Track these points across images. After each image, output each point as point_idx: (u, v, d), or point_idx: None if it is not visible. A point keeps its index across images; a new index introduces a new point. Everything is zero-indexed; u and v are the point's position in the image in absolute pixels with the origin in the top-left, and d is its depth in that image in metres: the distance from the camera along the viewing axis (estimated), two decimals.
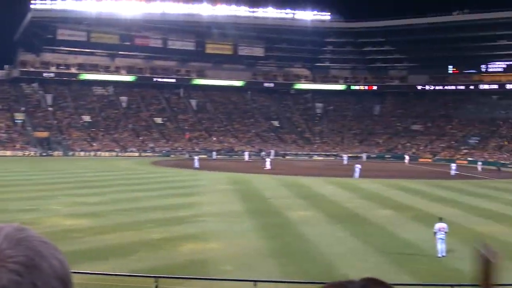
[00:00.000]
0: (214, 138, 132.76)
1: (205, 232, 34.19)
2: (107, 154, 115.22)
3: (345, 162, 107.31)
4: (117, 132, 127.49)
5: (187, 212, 41.72)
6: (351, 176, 76.28)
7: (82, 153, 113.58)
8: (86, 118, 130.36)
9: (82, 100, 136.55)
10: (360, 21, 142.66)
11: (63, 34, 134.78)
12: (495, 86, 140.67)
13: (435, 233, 29.26)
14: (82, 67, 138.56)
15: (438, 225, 29.25)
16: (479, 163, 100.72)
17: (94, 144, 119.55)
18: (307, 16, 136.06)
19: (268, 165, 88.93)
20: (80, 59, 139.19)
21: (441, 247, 28.85)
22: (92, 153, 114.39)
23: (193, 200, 48.50)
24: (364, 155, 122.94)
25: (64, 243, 27.90)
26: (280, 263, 26.96)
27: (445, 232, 29.07)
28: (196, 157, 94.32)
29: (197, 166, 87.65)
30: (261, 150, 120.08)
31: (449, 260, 28.31)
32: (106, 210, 41.49)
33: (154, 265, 26.09)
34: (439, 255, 28.68)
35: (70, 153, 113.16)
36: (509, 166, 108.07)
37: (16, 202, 44.25)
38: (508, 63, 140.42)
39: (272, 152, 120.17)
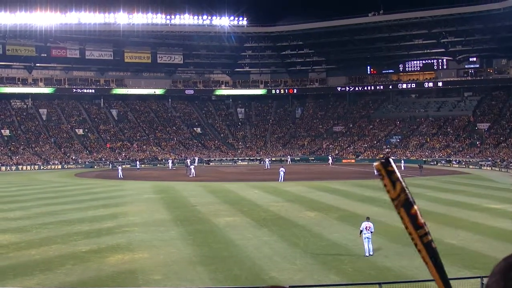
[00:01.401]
0: (135, 146, 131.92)
1: (132, 242, 33.95)
2: (29, 168, 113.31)
3: (268, 166, 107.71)
4: (38, 145, 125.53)
5: (113, 223, 41.34)
6: (277, 179, 76.66)
7: (3, 168, 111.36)
8: (6, 132, 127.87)
9: (1, 114, 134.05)
10: (278, 25, 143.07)
11: None
12: (413, 85, 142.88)
13: (361, 231, 29.61)
14: None
15: (364, 224, 29.62)
16: (402, 161, 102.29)
17: (15, 158, 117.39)
18: (224, 22, 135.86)
19: (193, 172, 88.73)
20: None
21: (367, 246, 29.19)
22: (14, 168, 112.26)
23: (118, 211, 48.09)
24: (289, 158, 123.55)
25: None
26: (209, 270, 26.94)
27: (371, 231, 29.44)
28: (119, 167, 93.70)
29: (121, 176, 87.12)
30: (186, 158, 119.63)
31: (376, 258, 28.71)
32: (31, 224, 40.80)
33: (82, 277, 25.86)
34: (366, 254, 29.05)
35: None
36: (431, 163, 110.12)
37: None
38: (424, 61, 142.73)
39: (196, 159, 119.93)
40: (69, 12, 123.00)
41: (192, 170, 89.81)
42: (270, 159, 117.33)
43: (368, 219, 30.49)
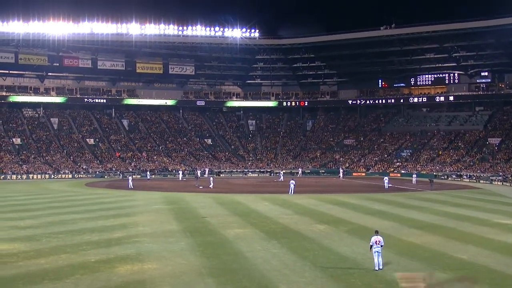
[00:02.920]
0: (144, 155, 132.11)
1: (141, 252, 33.89)
2: (39, 176, 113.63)
3: (281, 178, 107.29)
4: (49, 154, 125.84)
5: (123, 233, 41.30)
6: (287, 192, 76.49)
7: (14, 176, 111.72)
8: (17, 140, 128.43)
9: (12, 123, 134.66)
10: (290, 38, 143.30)
11: None
12: (425, 99, 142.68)
13: (371, 246, 29.54)
14: (11, 89, 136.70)
15: (374, 238, 29.56)
16: (414, 175, 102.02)
17: (26, 167, 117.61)
18: (236, 33, 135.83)
19: (211, 184, 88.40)
20: (9, 81, 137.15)
21: (377, 260, 29.10)
22: (24, 176, 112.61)
23: (128, 221, 48.03)
24: (299, 171, 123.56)
25: None
26: (218, 282, 26.88)
27: (381, 245, 29.37)
28: (130, 178, 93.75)
29: (131, 187, 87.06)
30: (196, 169, 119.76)
31: (385, 272, 28.60)
32: (40, 233, 40.79)
33: (91, 287, 25.85)
34: (376, 268, 28.94)
35: (1, 176, 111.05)
36: (442, 177, 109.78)
37: None
38: (436, 75, 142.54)
39: (207, 170, 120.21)
40: (82, 22, 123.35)
41: (211, 183, 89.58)
42: (283, 171, 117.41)
43: (377, 232, 30.43)
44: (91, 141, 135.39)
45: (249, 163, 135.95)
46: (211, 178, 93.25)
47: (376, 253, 29.22)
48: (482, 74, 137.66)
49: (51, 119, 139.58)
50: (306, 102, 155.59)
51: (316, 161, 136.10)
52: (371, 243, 29.61)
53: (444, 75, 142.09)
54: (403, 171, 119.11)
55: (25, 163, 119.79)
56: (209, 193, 78.37)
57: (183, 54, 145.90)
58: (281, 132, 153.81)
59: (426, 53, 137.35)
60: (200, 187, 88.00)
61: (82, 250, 34.58)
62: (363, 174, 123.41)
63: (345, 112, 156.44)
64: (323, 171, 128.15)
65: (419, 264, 30.57)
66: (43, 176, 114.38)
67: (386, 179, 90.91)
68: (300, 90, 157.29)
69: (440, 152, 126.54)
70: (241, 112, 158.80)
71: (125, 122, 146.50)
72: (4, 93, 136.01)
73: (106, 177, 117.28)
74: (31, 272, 28.66)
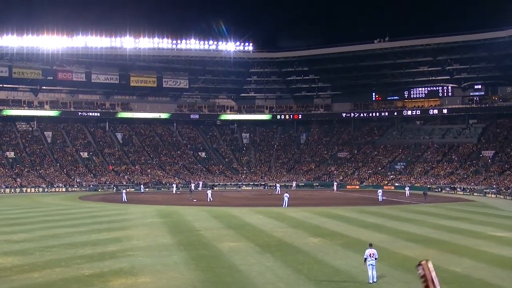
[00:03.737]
0: (137, 167, 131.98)
1: (135, 266, 33.75)
2: (33, 190, 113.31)
3: (278, 191, 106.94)
4: (42, 167, 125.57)
5: (116, 246, 41.16)
6: (281, 205, 76.40)
7: (7, 190, 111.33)
8: (11, 154, 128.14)
9: (6, 136, 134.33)
10: (283, 51, 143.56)
11: None
12: (418, 112, 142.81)
13: (365, 259, 29.50)
14: (5, 102, 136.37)
15: (368, 251, 29.52)
16: (407, 188, 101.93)
17: (20, 181, 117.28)
18: (230, 47, 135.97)
19: (209, 198, 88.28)
20: (3, 94, 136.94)
21: (371, 273, 29.05)
22: (18, 190, 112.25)
23: (122, 234, 47.87)
24: (294, 183, 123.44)
25: None
26: None
27: (375, 258, 29.32)
28: (123, 191, 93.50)
29: (125, 200, 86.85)
30: (190, 182, 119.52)
31: (379, 285, 28.55)
32: (34, 247, 40.62)
33: None
34: (370, 281, 28.89)
35: None
36: (436, 190, 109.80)
37: None
38: (429, 88, 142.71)
39: (200, 183, 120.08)
40: (76, 35, 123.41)
41: (209, 196, 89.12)
42: (280, 184, 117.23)
43: (371, 245, 30.40)
44: (84, 155, 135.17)
45: (243, 176, 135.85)
46: (209, 192, 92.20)
47: (370, 266, 29.18)
48: (476, 87, 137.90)
49: (45, 132, 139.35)
50: (300, 115, 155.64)
51: (310, 174, 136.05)
52: (365, 256, 29.57)
53: (437, 88, 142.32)
54: (397, 184, 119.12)
55: (18, 177, 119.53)
56: (203, 206, 78.28)
57: (177, 68, 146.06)
58: (275, 145, 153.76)
59: (420, 66, 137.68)
60: (194, 200, 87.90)
61: (75, 264, 34.42)
62: (357, 187, 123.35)
63: (339, 125, 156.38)
64: (317, 184, 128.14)
65: (413, 277, 30.49)
66: (36, 189, 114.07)
67: (380, 192, 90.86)
68: (294, 103, 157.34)
69: (433, 166, 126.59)
70: (235, 125, 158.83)
71: (119, 136, 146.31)
72: None
73: (99, 190, 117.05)
74: (24, 286, 28.52)
